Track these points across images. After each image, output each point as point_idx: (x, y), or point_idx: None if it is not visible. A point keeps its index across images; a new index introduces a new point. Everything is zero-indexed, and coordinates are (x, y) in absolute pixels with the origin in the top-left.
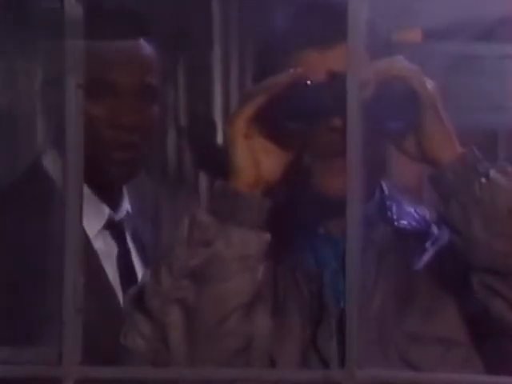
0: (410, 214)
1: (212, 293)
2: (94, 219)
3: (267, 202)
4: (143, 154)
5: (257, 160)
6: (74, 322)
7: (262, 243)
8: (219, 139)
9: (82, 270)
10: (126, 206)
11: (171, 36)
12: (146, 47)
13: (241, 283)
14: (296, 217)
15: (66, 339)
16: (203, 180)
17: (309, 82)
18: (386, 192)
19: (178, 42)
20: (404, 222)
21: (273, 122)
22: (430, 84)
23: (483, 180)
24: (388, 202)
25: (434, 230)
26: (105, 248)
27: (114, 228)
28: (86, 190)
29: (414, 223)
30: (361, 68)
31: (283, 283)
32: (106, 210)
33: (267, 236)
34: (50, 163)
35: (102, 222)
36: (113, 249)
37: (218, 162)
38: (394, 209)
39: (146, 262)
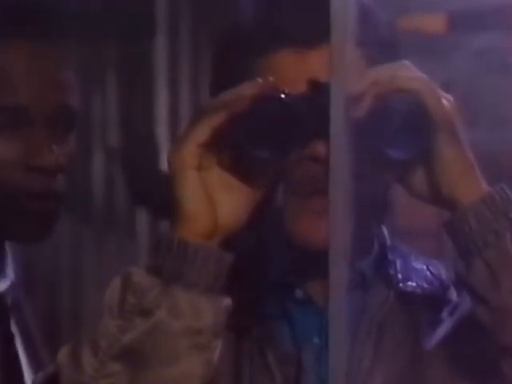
0: (420, 272)
1: (152, 379)
2: None
3: (227, 256)
4: (61, 202)
5: (213, 200)
6: None
7: (220, 312)
8: (164, 166)
9: None
10: (10, 273)
11: (98, 28)
12: (61, 60)
13: (191, 366)
14: (266, 276)
15: None
16: (141, 222)
17: (283, 96)
18: (388, 242)
19: (108, 37)
20: (412, 284)
21: (235, 149)
22: (446, 100)
23: None
24: (390, 256)
25: (453, 294)
26: None
27: None
28: None
29: (425, 285)
30: (351, 76)
31: (249, 365)
32: None
33: (227, 302)
34: None
35: None
36: None
37: (162, 198)
38: (399, 265)
39: (33, 352)
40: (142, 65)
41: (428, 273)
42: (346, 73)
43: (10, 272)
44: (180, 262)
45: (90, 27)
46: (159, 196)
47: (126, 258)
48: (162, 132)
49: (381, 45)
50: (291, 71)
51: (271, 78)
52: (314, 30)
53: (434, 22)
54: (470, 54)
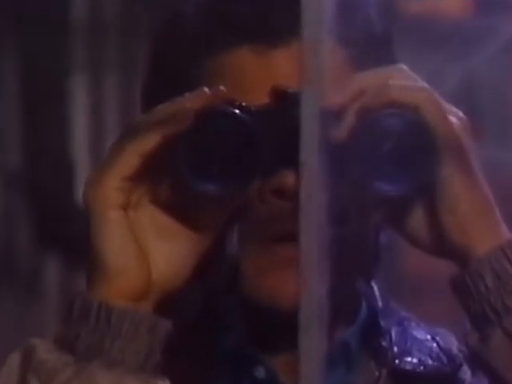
0: (422, 344)
1: None
2: None
3: (163, 323)
4: None
5: (145, 249)
6: None
7: None
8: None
9: None
10: None
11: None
12: None
13: None
14: (216, 347)
15: None
16: (50, 273)
17: (237, 110)
18: (380, 304)
19: (8, 35)
20: (412, 360)
21: (174, 182)
22: (454, 116)
23: None
24: (383, 323)
25: (466, 374)
26: None
27: None
28: None
29: (429, 362)
30: (329, 84)
31: None
32: None
33: None
34: None
35: None
36: None
37: (78, 240)
38: (395, 335)
39: None
40: (55, 73)
41: (434, 345)
42: (321, 79)
43: None
44: (100, 333)
45: None
46: (75, 237)
47: (27, 323)
48: (79, 152)
49: (370, 43)
50: (250, 76)
51: (222, 87)
52: (280, 22)
53: (452, 4)
54: (498, 47)
